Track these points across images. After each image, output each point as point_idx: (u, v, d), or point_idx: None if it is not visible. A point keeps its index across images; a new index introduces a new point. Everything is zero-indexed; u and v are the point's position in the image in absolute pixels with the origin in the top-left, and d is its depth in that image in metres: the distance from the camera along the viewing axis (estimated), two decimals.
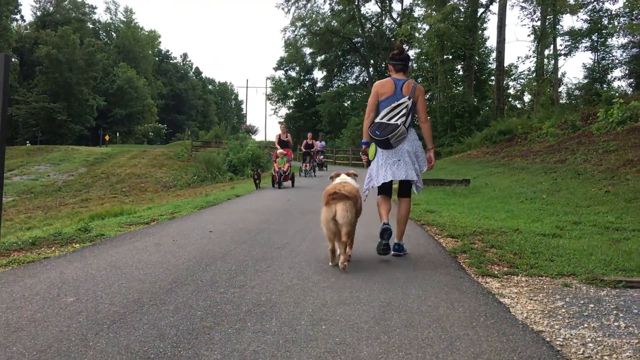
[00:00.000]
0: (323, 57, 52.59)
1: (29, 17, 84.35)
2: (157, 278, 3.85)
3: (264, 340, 2.64)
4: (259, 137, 69.53)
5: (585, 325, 3.02)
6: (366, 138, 4.86)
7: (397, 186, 5.00)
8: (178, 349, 2.53)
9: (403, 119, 4.63)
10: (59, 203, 23.03)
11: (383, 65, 49.75)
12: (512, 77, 38.31)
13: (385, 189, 4.82)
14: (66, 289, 3.53)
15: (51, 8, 72.89)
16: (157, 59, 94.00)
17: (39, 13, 72.45)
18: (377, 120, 4.71)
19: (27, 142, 53.06)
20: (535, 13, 28.74)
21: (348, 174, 4.87)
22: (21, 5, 70.09)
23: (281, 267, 4.26)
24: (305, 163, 20.46)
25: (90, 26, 78.54)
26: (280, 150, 14.48)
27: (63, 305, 3.16)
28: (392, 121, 4.64)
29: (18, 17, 70.24)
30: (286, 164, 14.27)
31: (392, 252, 4.83)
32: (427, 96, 39.26)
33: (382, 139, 4.64)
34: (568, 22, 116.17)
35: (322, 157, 26.12)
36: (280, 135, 15.57)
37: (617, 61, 27.97)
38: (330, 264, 4.39)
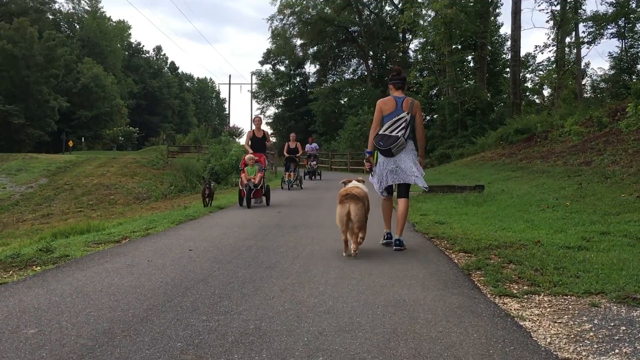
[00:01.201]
0: (315, 48, 52.78)
1: None
2: (130, 305, 3.84)
3: None
4: (244, 141, 69.61)
5: (617, 350, 3.03)
6: (371, 148, 6.40)
7: (397, 189, 6.48)
8: None
9: (403, 131, 6.13)
10: (16, 219, 22.94)
11: (384, 57, 49.98)
12: (530, 69, 38.49)
13: (389, 190, 6.37)
14: (26, 319, 3.52)
15: None
16: (126, 53, 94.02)
17: None
18: (381, 132, 6.21)
19: None
20: None
21: (357, 180, 6.33)
22: None
23: (271, 290, 4.27)
24: (289, 172, 18.32)
25: (50, 17, 78.47)
26: (249, 155, 12.25)
27: (23, 338, 3.15)
28: (394, 133, 6.13)
29: None
30: (258, 175, 11.98)
31: (394, 248, 6.17)
32: (435, 91, 39.48)
33: (385, 148, 6.14)
34: (591, 5, 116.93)
35: (314, 162, 24.52)
36: (254, 131, 13.06)
37: None
38: (344, 254, 5.74)
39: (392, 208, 6.51)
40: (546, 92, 41.44)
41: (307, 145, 24.78)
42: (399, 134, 6.12)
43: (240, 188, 12.05)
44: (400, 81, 6.38)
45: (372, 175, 6.52)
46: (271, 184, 19.95)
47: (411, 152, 6.25)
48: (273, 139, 59.24)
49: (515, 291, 4.26)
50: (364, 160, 6.72)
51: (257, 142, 12.90)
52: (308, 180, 23.57)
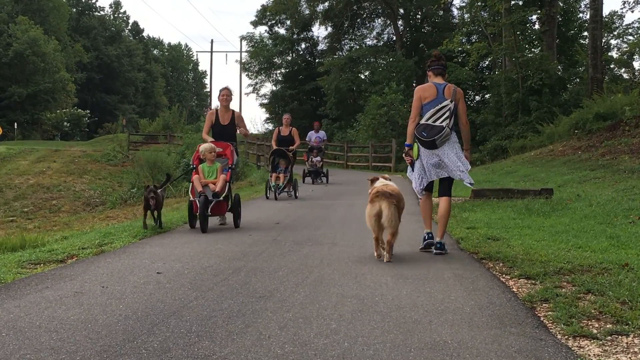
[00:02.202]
0: (327, 4, 52.72)
1: None
2: (78, 345, 3.85)
3: None
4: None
5: None
6: (410, 140, 7.55)
7: (438, 186, 7.72)
8: None
9: (447, 121, 7.24)
10: None
11: (419, 16, 49.85)
12: (615, 33, 38.37)
13: (427, 187, 7.57)
14: None
15: None
16: (74, 10, 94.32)
17: None
18: (423, 122, 7.32)
19: None
20: None
21: (384, 178, 7.48)
22: None
23: (267, 327, 4.27)
24: (278, 172, 16.34)
25: None
26: (206, 145, 10.36)
27: None
28: (437, 123, 7.23)
29: None
30: (220, 177, 10.08)
31: (435, 252, 7.32)
32: (487, 62, 39.39)
33: (429, 140, 7.21)
34: None
35: (318, 158, 22.64)
36: (217, 112, 11.34)
37: None
38: (375, 254, 7.03)
39: (432, 204, 7.82)
40: (638, 64, 41.23)
41: (310, 134, 23.41)
42: (444, 124, 7.21)
43: (192, 199, 9.95)
44: (441, 67, 7.61)
45: (411, 170, 7.71)
46: (251, 192, 19.52)
47: (455, 144, 7.39)
48: (267, 126, 58.96)
49: (595, 330, 4.24)
50: (403, 155, 7.95)
51: (223, 129, 11.14)
52: (309, 183, 22.29)
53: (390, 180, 7.41)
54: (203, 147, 10.27)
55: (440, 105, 7.27)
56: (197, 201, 9.59)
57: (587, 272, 5.92)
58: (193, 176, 10.14)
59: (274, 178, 16.05)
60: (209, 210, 9.71)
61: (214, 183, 9.96)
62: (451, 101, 7.29)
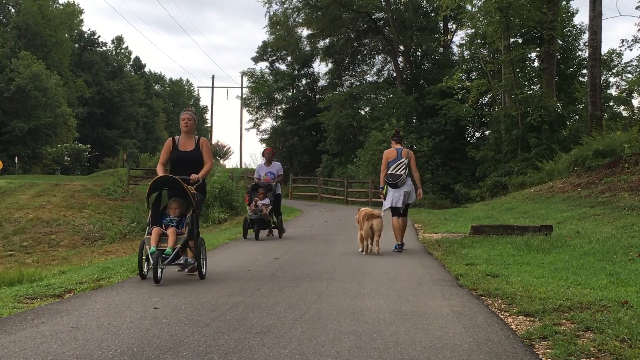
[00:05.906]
0: (328, 41, 53.11)
1: None
2: None
3: None
4: (231, 163, 68.94)
5: None
6: (382, 184, 12.20)
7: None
8: None
9: (404, 170, 11.85)
10: None
11: (419, 53, 50.22)
12: (614, 71, 38.59)
13: (396, 212, 12.01)
14: None
15: None
16: (77, 45, 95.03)
17: None
18: (389, 172, 11.90)
19: None
20: None
21: (366, 209, 12.01)
22: None
23: None
24: (164, 226, 8.28)
25: None
26: None
27: None
28: (397, 172, 11.83)
29: None
30: None
31: (394, 250, 11.73)
32: (486, 99, 39.66)
33: (394, 182, 11.85)
34: None
35: (266, 201, 14.84)
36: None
37: None
38: (363, 251, 11.39)
39: (399, 224, 11.96)
40: (637, 101, 41.42)
41: (259, 168, 16.31)
42: (401, 172, 11.80)
43: None
44: (399, 138, 12.30)
45: (384, 201, 12.31)
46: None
47: (410, 186, 11.98)
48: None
49: None
50: (380, 194, 13.19)
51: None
52: (252, 239, 14.60)
53: (370, 209, 11.96)
54: None
55: (399, 162, 11.85)
56: None
57: (587, 310, 5.90)
58: None
59: (155, 237, 8.06)
60: None
61: None
62: (406, 159, 11.88)
